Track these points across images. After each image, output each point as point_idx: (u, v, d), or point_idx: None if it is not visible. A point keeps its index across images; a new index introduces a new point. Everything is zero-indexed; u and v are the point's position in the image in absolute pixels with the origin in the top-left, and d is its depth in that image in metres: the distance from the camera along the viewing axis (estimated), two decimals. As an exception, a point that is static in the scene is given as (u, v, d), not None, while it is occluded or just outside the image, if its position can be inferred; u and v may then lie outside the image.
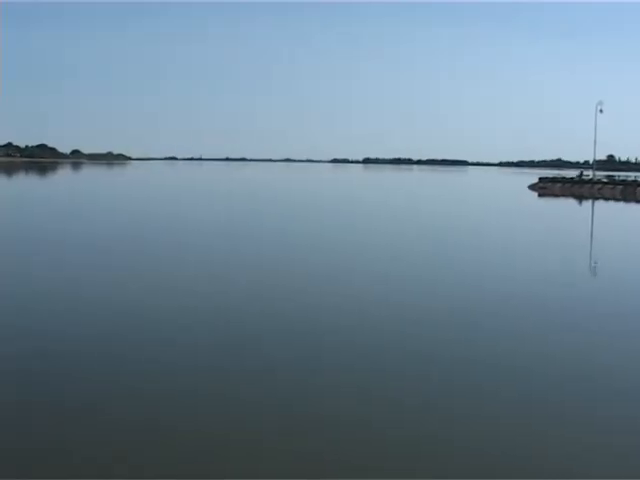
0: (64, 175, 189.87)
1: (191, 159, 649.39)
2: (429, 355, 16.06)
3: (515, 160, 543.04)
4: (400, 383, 14.03)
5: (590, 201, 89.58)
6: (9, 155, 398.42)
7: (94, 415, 12.17)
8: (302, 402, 13.02)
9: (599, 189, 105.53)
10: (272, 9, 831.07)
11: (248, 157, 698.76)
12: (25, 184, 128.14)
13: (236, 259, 31.49)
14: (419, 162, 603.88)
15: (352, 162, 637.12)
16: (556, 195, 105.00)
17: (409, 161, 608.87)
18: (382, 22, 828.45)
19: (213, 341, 17.02)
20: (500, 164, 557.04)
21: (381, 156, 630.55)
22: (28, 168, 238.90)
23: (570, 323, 19.95)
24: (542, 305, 22.09)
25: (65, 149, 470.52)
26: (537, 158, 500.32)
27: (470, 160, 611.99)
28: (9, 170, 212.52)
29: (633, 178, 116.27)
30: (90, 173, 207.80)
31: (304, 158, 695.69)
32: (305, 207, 69.48)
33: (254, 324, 18.73)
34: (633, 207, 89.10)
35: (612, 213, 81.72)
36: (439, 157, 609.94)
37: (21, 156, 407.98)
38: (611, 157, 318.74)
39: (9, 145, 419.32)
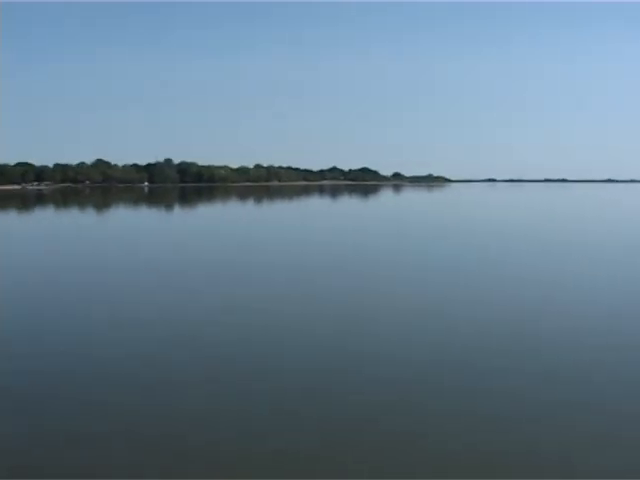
0: (382, 195, 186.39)
1: (510, 181, 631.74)
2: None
3: None
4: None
5: None
6: (334, 178, 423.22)
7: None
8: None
9: None
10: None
11: (568, 178, 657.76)
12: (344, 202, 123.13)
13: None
14: None
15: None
16: None
17: None
18: None
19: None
20: None
21: None
22: (351, 190, 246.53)
23: None
24: None
25: (387, 172, 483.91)
26: None
27: None
28: (334, 191, 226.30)
29: None
30: (403, 194, 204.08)
31: (628, 178, 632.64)
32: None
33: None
34: None
35: None
36: None
37: (345, 179, 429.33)
38: None
39: (334, 169, 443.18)
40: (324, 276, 29.68)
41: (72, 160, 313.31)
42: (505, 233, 53.60)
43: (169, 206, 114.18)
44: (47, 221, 75.61)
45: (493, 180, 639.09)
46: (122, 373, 15.53)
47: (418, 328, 19.96)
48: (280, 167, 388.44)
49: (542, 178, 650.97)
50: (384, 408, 13.23)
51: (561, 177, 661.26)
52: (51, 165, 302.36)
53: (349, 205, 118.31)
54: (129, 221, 76.91)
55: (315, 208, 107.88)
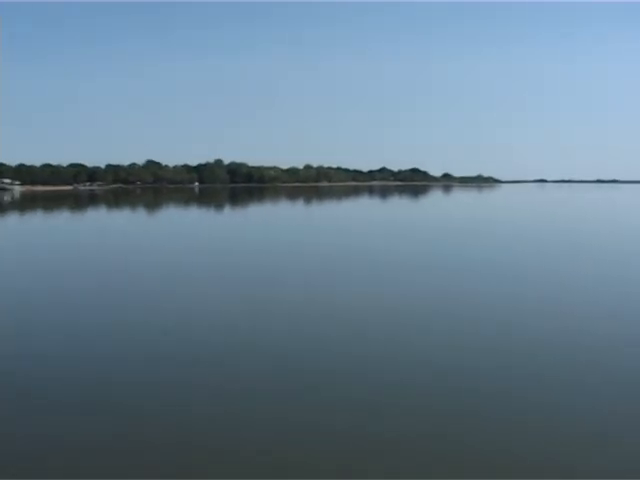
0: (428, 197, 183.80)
1: (561, 181, 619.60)
2: None
3: None
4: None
5: None
6: (384, 179, 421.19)
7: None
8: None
9: None
10: None
11: (620, 179, 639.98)
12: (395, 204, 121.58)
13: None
14: None
15: None
16: None
17: None
18: None
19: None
20: None
21: None
22: (401, 190, 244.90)
23: None
24: None
25: (436, 172, 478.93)
26: None
27: None
28: (383, 192, 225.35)
29: None
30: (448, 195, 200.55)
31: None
32: None
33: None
34: None
35: None
36: None
37: (394, 179, 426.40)
38: None
39: (383, 169, 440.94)
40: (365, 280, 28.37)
41: (123, 161, 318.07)
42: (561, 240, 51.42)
43: (220, 206, 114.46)
44: (125, 218, 76.06)
45: (543, 181, 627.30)
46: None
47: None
48: (330, 168, 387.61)
49: (593, 179, 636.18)
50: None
51: (612, 178, 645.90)
52: (103, 166, 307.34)
53: (399, 208, 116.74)
54: (199, 222, 76.64)
55: (367, 211, 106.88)
